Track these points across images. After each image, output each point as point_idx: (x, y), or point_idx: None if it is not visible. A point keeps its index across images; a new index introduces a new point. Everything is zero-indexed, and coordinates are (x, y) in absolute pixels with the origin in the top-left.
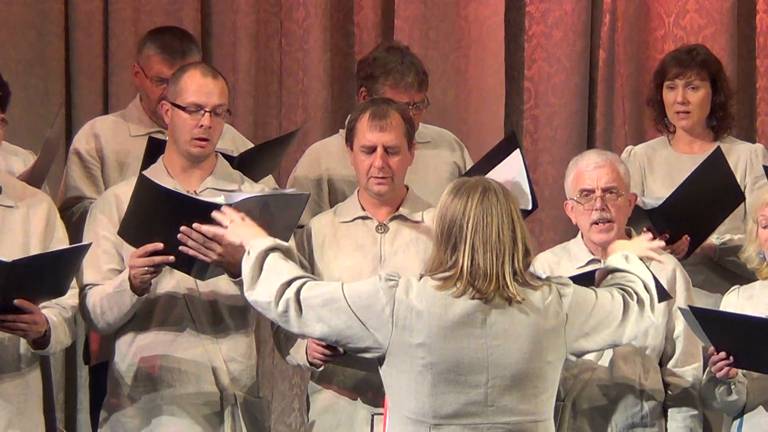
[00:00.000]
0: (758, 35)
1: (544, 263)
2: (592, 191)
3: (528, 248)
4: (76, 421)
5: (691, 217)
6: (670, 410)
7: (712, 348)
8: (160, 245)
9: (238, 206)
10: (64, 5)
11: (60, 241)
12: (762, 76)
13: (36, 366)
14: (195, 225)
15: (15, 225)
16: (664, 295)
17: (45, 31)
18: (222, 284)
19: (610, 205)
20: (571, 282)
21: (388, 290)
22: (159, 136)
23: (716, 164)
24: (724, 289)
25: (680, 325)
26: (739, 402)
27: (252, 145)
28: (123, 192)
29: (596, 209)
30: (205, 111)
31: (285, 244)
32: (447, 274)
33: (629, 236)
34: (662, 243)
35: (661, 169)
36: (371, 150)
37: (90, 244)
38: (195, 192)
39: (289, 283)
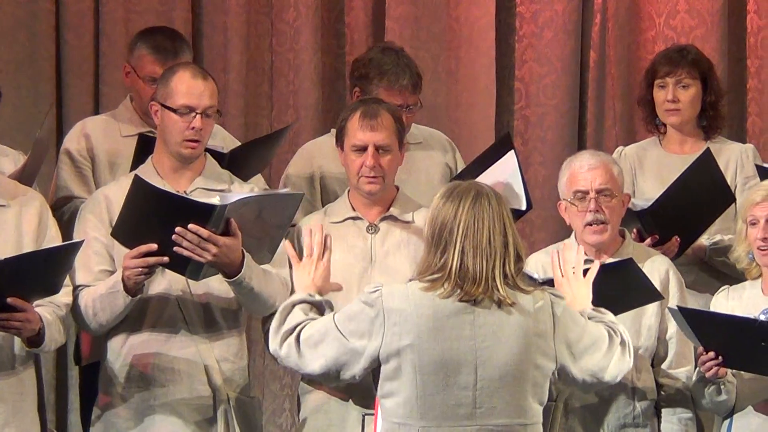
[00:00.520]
0: (749, 35)
1: (537, 263)
2: (586, 192)
3: (520, 253)
4: (67, 422)
5: (680, 219)
6: (663, 411)
7: (701, 348)
8: (154, 246)
9: (232, 207)
10: (54, 5)
11: (53, 240)
12: (752, 77)
13: (31, 365)
14: (190, 226)
15: (7, 224)
16: (656, 296)
17: (36, 31)
18: (214, 285)
19: (604, 207)
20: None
21: (373, 301)
22: (152, 135)
23: (706, 165)
24: (715, 289)
25: (673, 326)
26: (728, 402)
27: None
28: (113, 192)
29: (590, 211)
30: (196, 113)
31: (317, 298)
32: (435, 276)
33: (623, 237)
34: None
35: (652, 169)
36: (362, 149)
37: (82, 242)
38: (185, 192)
39: (293, 329)
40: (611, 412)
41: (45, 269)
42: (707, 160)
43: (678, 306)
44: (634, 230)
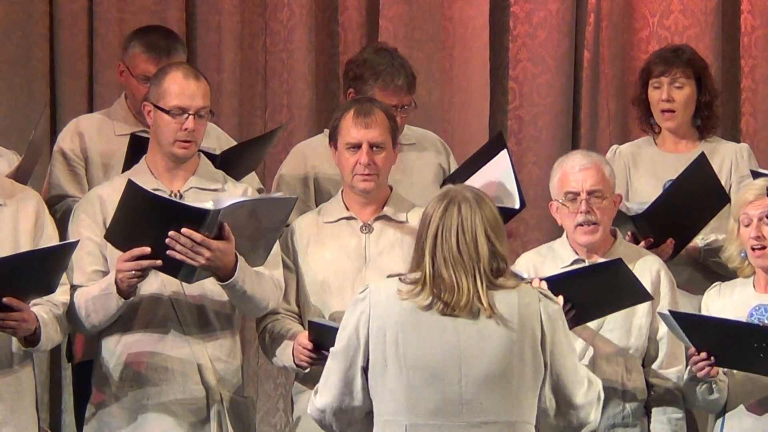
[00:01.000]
0: (742, 35)
1: (528, 263)
2: (578, 194)
3: (497, 253)
4: (61, 422)
5: (675, 221)
6: (654, 410)
7: (692, 348)
8: (147, 249)
9: (226, 211)
10: (49, 5)
11: (50, 239)
12: (746, 76)
13: (28, 363)
14: (184, 230)
15: (4, 223)
16: (645, 296)
17: (30, 31)
18: (208, 285)
19: (595, 208)
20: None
21: (362, 298)
22: (144, 135)
23: (700, 169)
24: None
25: (663, 326)
26: (720, 401)
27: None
28: (107, 192)
29: (581, 212)
30: (189, 114)
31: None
32: (416, 275)
33: (615, 237)
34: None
35: (646, 168)
36: (356, 146)
37: (78, 242)
38: (179, 192)
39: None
40: (602, 412)
41: (41, 269)
42: (702, 164)
43: (670, 311)
44: (629, 233)
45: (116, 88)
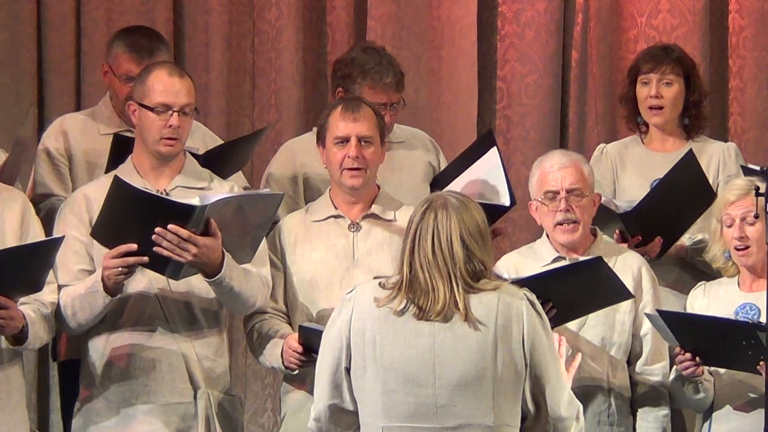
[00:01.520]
0: (730, 35)
1: (509, 264)
2: (557, 192)
3: (475, 262)
4: (49, 422)
5: (663, 219)
6: (640, 410)
7: (678, 348)
8: (134, 246)
9: (212, 207)
10: (36, 5)
11: (36, 238)
12: (734, 76)
13: (17, 362)
14: (170, 226)
15: None
16: (626, 294)
17: (17, 31)
18: (195, 283)
19: (574, 206)
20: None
21: (345, 305)
22: (128, 135)
23: (689, 167)
24: None
25: (647, 323)
26: (706, 400)
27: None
28: (92, 192)
29: (560, 210)
30: (173, 111)
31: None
32: (396, 279)
33: (595, 235)
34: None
35: (634, 167)
36: (345, 141)
37: (63, 237)
38: (165, 191)
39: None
40: (587, 410)
41: (26, 265)
42: (690, 162)
43: (658, 310)
44: (617, 231)
45: (103, 88)
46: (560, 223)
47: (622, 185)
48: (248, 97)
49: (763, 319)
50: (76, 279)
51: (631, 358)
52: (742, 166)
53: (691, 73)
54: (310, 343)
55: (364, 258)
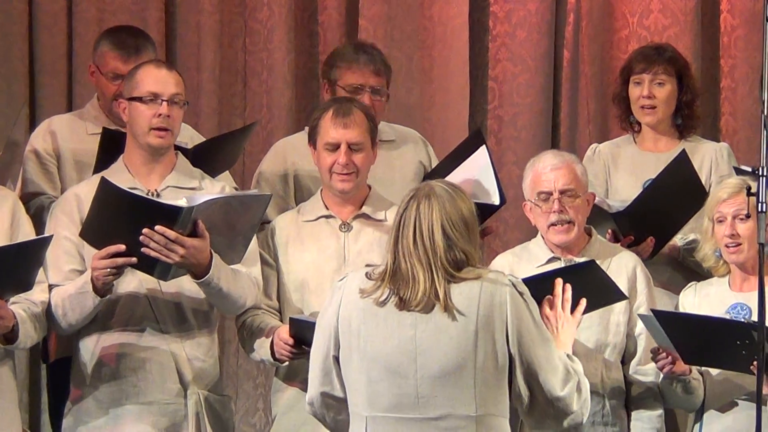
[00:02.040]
0: (722, 35)
1: (503, 264)
2: (550, 193)
3: (456, 251)
4: (40, 422)
5: (656, 219)
6: (634, 411)
7: (655, 346)
8: (122, 247)
9: (200, 208)
10: (28, 5)
11: (26, 237)
12: (726, 76)
13: (8, 361)
14: (157, 228)
15: None
16: (620, 296)
17: (8, 31)
18: (185, 284)
19: (568, 207)
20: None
21: (335, 293)
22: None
23: (681, 167)
24: None
25: (641, 322)
26: (695, 399)
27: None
28: (83, 192)
29: (554, 211)
30: (163, 100)
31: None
32: (381, 269)
33: (590, 235)
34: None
35: (626, 167)
36: (335, 147)
37: (52, 236)
38: (156, 191)
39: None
40: None
41: (15, 264)
42: (683, 162)
43: (652, 310)
44: (609, 231)
45: (95, 88)
46: (554, 224)
47: (615, 185)
48: (240, 97)
49: (755, 319)
50: (67, 279)
51: (626, 358)
52: (734, 167)
53: (683, 73)
54: (301, 335)
55: (355, 258)
